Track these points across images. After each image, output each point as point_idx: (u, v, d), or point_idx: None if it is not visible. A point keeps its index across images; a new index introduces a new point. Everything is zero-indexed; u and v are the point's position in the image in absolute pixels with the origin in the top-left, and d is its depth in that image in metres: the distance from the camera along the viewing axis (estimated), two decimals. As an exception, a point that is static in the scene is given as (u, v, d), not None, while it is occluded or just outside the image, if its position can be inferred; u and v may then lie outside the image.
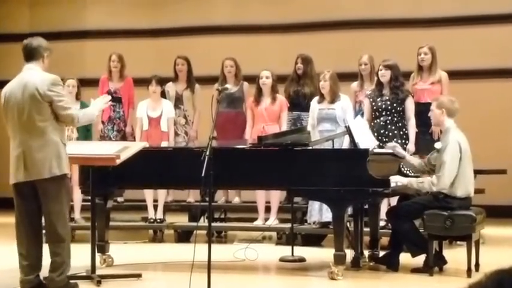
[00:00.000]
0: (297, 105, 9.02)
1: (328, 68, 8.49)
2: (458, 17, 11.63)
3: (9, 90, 5.77)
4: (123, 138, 9.57)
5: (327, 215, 8.13)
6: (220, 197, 9.59)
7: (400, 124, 8.30)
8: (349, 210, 7.16)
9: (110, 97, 6.55)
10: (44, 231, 5.87)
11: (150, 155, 6.98)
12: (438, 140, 7.65)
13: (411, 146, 8.25)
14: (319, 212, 8.43)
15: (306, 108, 8.97)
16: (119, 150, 6.21)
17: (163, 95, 9.41)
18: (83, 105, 8.93)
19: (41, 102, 5.65)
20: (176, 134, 9.46)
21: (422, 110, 7.95)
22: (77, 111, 5.99)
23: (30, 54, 5.83)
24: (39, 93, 5.64)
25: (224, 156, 6.56)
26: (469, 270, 6.70)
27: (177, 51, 10.05)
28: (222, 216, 9.88)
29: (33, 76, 5.72)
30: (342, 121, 8.27)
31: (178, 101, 9.58)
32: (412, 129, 8.29)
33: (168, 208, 9.56)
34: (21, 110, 5.68)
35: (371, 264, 7.32)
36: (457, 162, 6.78)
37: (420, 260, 6.93)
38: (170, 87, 9.62)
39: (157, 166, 7.04)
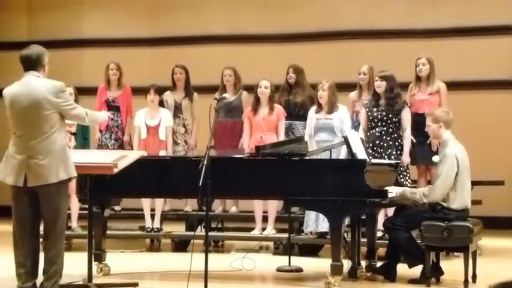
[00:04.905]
0: (288, 114, 9.04)
1: (326, 78, 8.49)
2: (455, 28, 11.63)
3: (13, 95, 5.77)
4: (121, 147, 9.58)
5: (323, 225, 8.13)
6: (217, 206, 9.57)
7: (395, 135, 8.30)
8: (347, 221, 7.17)
9: (109, 115, 6.66)
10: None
11: (148, 164, 6.97)
12: (437, 151, 7.64)
13: (405, 157, 8.26)
14: (315, 222, 8.42)
15: (298, 117, 9.02)
16: (117, 159, 6.21)
17: (161, 104, 9.41)
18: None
19: (49, 110, 5.68)
20: (176, 143, 9.46)
21: (420, 120, 7.92)
22: (83, 109, 6.01)
23: (32, 64, 5.82)
24: (48, 101, 5.68)
25: (222, 165, 6.56)
26: (466, 281, 6.69)
27: (175, 60, 10.04)
28: (219, 225, 9.87)
29: (39, 84, 5.74)
30: (339, 131, 8.27)
31: (177, 110, 9.57)
32: (407, 141, 8.29)
33: (165, 217, 9.54)
34: (27, 116, 5.69)
35: (368, 274, 7.31)
36: (452, 176, 6.80)
37: (417, 270, 6.93)
38: (168, 96, 9.62)
39: (155, 175, 7.04)
